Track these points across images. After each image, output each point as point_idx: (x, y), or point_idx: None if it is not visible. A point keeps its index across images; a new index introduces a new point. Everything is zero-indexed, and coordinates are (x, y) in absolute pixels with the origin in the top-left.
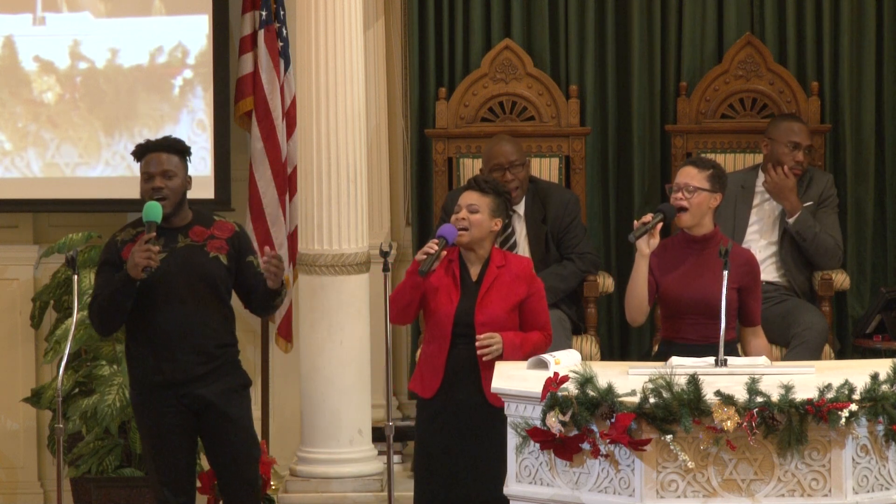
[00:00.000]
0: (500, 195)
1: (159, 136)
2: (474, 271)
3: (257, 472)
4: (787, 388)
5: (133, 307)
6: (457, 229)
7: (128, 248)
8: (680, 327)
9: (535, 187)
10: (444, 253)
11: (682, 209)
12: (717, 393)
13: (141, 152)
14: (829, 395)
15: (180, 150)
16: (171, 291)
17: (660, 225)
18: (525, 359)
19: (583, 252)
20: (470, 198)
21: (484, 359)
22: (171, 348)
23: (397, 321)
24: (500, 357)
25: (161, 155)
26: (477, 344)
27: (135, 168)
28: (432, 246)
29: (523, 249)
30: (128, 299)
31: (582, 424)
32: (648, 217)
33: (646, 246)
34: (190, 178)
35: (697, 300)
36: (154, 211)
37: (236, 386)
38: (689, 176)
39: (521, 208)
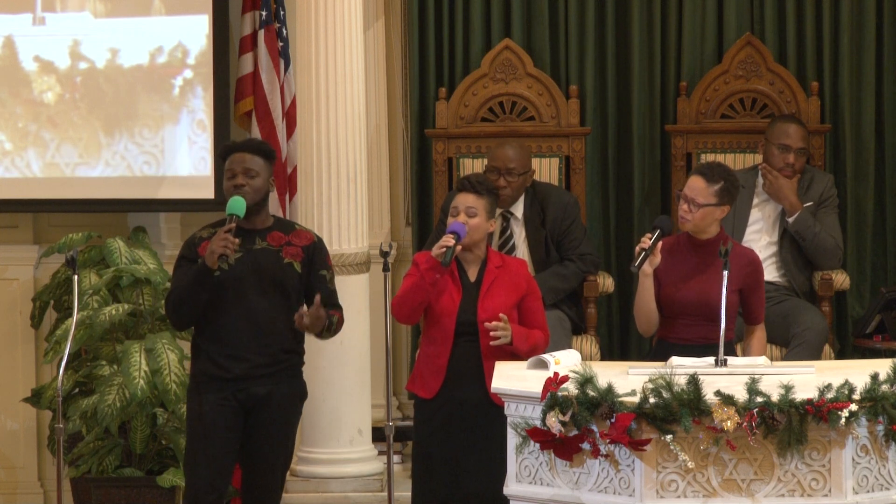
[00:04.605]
0: (493, 195)
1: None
2: (472, 272)
3: (281, 483)
4: (787, 388)
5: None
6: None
7: (205, 245)
8: (674, 327)
9: (534, 190)
10: (459, 248)
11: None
12: (717, 393)
13: (226, 152)
14: (829, 395)
15: (265, 152)
16: (241, 291)
17: (660, 244)
18: (528, 352)
19: (583, 253)
20: (467, 200)
21: (492, 343)
22: (237, 346)
23: (407, 321)
24: (509, 344)
25: (245, 154)
26: (489, 325)
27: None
28: (449, 240)
29: (522, 252)
30: (203, 291)
31: (582, 424)
32: (646, 241)
33: (648, 266)
34: (273, 181)
35: (692, 302)
36: (237, 205)
37: (292, 395)
38: (698, 190)
39: (519, 211)
